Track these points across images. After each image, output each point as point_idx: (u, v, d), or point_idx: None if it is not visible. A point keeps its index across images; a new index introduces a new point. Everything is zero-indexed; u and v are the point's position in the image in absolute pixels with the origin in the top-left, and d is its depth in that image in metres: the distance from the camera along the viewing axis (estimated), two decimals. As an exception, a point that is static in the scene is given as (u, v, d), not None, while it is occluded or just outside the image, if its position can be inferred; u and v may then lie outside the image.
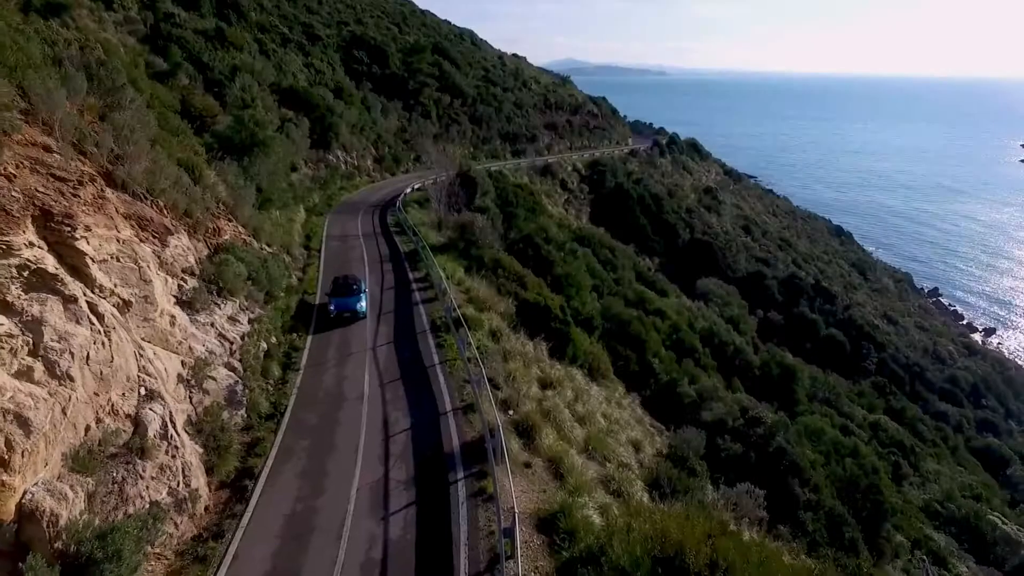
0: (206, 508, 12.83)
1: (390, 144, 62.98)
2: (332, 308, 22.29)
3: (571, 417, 18.99)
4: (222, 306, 17.94)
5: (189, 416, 14.17)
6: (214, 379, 15.25)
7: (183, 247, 17.65)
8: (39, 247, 10.95)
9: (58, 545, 9.41)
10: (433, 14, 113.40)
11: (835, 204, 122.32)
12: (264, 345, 18.54)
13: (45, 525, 9.34)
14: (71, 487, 10.04)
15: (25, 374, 10.16)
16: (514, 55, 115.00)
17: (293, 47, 64.63)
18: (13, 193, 10.75)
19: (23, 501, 9.31)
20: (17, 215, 10.58)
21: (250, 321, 18.86)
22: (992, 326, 76.29)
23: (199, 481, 12.79)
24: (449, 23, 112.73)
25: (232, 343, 17.21)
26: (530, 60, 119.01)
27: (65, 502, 9.76)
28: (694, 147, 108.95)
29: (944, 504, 36.61)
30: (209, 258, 19.05)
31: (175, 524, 11.83)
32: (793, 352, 50.92)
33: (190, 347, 15.36)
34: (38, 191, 11.50)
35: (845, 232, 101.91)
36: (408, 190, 48.88)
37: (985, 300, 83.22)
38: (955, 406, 53.61)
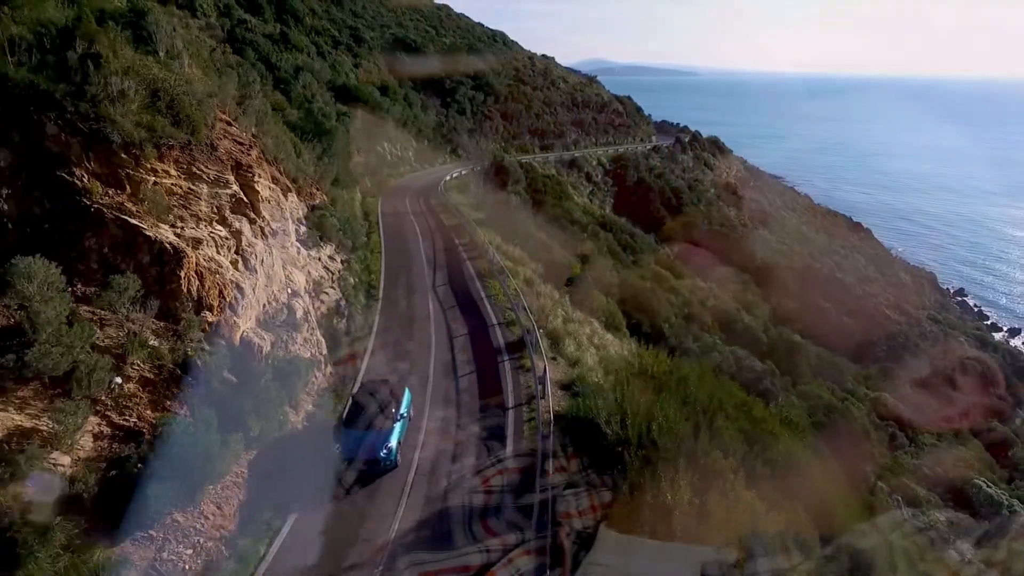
0: (331, 372, 18.42)
1: (429, 137, 68.88)
2: (339, 449, 13.78)
3: (588, 343, 24.14)
4: (324, 247, 23.64)
5: (315, 316, 19.79)
6: (327, 294, 20.92)
7: (295, 202, 23.38)
8: (236, 185, 16.64)
9: (264, 365, 15.03)
10: (467, 17, 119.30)
11: (859, 206, 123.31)
12: (352, 280, 24.16)
13: (255, 351, 14.97)
14: (264, 335, 15.68)
15: (234, 264, 15.85)
16: (543, 55, 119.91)
17: (343, 49, 71.02)
18: (222, 149, 16.45)
19: (242, 336, 14.94)
20: (225, 162, 16.28)
21: (343, 261, 24.54)
22: (1018, 327, 76.45)
23: (326, 353, 18.38)
24: (482, 25, 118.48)
25: (333, 274, 22.90)
26: (558, 60, 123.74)
27: (263, 342, 15.41)
28: (716, 144, 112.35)
29: (932, 468, 40.05)
30: (310, 213, 24.76)
31: (315, 376, 17.42)
32: (803, 337, 53.96)
33: (309, 271, 21.04)
34: (231, 149, 17.21)
35: (865, 228, 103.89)
36: (447, 177, 54.54)
37: (1015, 304, 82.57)
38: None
